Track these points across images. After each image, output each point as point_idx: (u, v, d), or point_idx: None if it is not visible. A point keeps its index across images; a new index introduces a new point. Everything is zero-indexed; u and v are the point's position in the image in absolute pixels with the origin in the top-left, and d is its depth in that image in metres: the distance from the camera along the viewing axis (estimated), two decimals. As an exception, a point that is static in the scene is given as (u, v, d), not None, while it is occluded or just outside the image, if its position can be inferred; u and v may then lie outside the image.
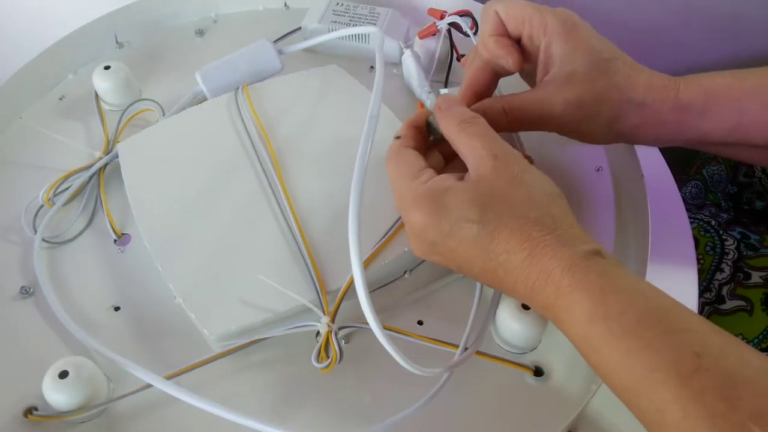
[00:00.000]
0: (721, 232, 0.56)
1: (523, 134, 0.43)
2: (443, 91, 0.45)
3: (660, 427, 0.25)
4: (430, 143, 0.36)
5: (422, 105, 0.45)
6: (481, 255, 0.29)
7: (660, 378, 0.24)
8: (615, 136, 0.36)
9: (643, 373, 0.25)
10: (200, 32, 0.54)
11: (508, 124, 0.36)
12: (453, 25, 0.44)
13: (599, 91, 0.35)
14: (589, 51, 0.35)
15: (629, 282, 0.27)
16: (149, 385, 0.32)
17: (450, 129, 0.32)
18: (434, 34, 0.45)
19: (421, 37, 0.45)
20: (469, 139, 0.32)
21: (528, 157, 0.36)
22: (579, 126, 0.36)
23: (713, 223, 0.57)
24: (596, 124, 0.35)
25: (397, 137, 0.34)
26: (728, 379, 0.23)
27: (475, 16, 0.44)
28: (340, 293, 0.34)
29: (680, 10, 0.61)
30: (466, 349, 0.33)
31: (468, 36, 0.44)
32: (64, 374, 0.31)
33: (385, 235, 0.36)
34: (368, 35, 0.49)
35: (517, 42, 0.38)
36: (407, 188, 0.31)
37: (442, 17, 0.45)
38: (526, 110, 0.36)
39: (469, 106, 0.35)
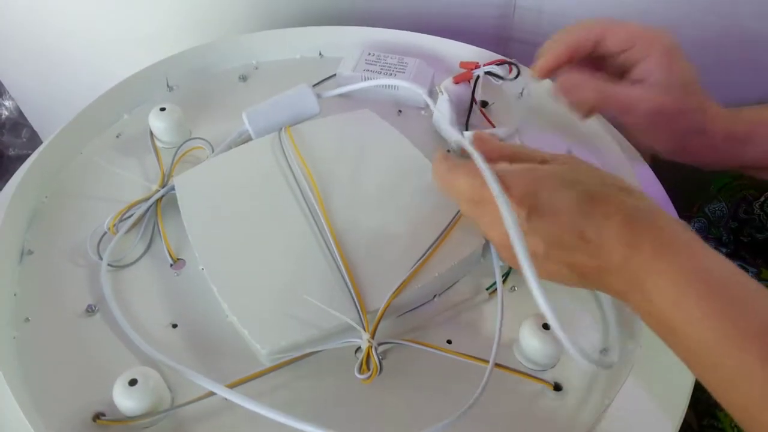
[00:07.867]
0: (722, 265, 0.60)
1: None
2: (467, 133, 0.50)
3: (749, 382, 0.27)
4: None
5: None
6: (575, 222, 0.31)
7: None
8: (674, 150, 0.41)
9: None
10: (243, 78, 0.59)
11: (596, 101, 0.40)
12: (488, 73, 0.50)
13: (680, 109, 0.40)
14: (681, 72, 0.40)
15: (712, 252, 0.30)
16: (212, 393, 0.35)
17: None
18: (468, 80, 0.50)
19: (456, 82, 0.50)
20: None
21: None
22: (650, 127, 0.40)
23: (715, 257, 0.60)
24: (664, 133, 0.40)
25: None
26: None
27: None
28: (379, 313, 0.38)
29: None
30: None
31: (502, 80, 0.50)
32: (133, 382, 0.35)
33: (418, 261, 0.40)
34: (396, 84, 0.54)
35: (602, 57, 0.43)
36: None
37: (477, 67, 0.50)
38: (618, 95, 0.40)
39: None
